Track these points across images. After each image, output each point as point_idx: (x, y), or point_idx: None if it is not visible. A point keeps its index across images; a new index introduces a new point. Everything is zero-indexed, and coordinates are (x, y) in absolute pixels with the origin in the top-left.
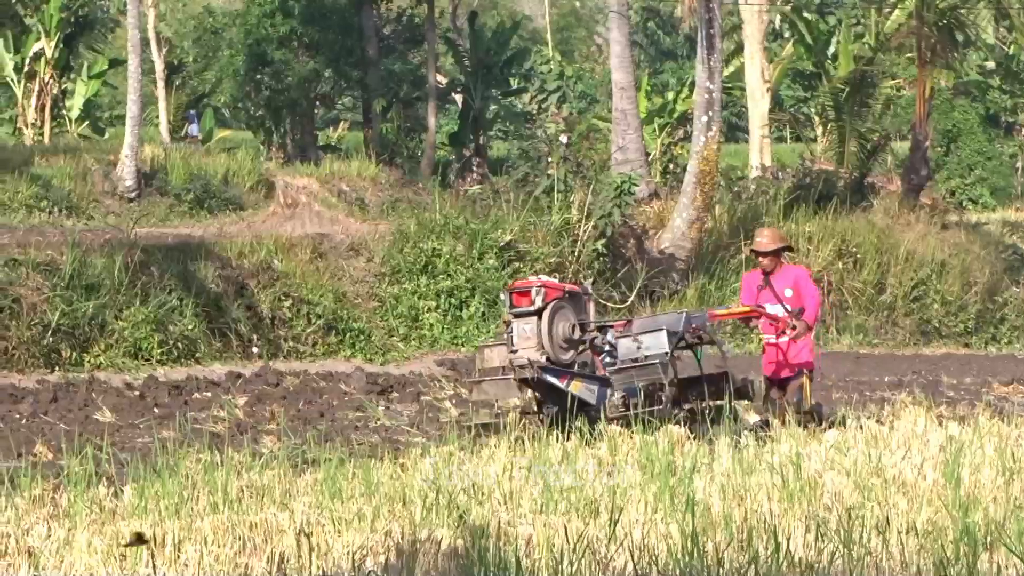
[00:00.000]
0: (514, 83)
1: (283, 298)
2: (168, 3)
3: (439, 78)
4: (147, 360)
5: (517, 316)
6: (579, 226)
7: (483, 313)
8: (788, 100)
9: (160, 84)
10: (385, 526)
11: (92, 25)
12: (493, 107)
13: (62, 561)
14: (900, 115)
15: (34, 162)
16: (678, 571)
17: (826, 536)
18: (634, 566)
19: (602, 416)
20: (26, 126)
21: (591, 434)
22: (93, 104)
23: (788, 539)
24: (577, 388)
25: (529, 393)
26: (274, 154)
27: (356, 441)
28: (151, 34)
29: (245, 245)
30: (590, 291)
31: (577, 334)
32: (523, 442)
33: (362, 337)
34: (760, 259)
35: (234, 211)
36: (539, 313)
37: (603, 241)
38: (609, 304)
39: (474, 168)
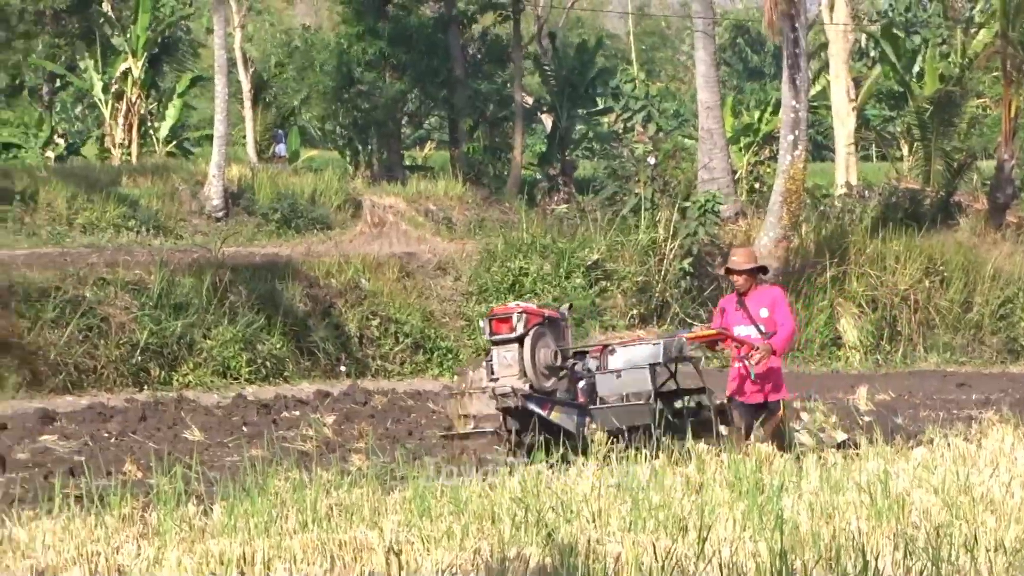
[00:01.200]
0: (601, 103)
1: (371, 317)
2: (255, 23)
3: (526, 98)
4: (235, 379)
5: (497, 343)
6: (665, 245)
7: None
8: (874, 119)
9: (247, 104)
10: (474, 544)
11: (177, 45)
12: (580, 127)
13: None
14: (986, 134)
15: (122, 182)
16: None
17: (914, 554)
18: None
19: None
20: (114, 146)
21: (679, 452)
22: (180, 124)
23: (876, 557)
24: (557, 416)
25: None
26: (361, 174)
27: (444, 459)
28: (238, 54)
29: (332, 264)
30: (567, 316)
31: (559, 361)
32: (611, 460)
33: (449, 356)
34: (734, 278)
35: (321, 230)
36: (520, 340)
37: (689, 260)
38: (695, 323)
39: (561, 187)
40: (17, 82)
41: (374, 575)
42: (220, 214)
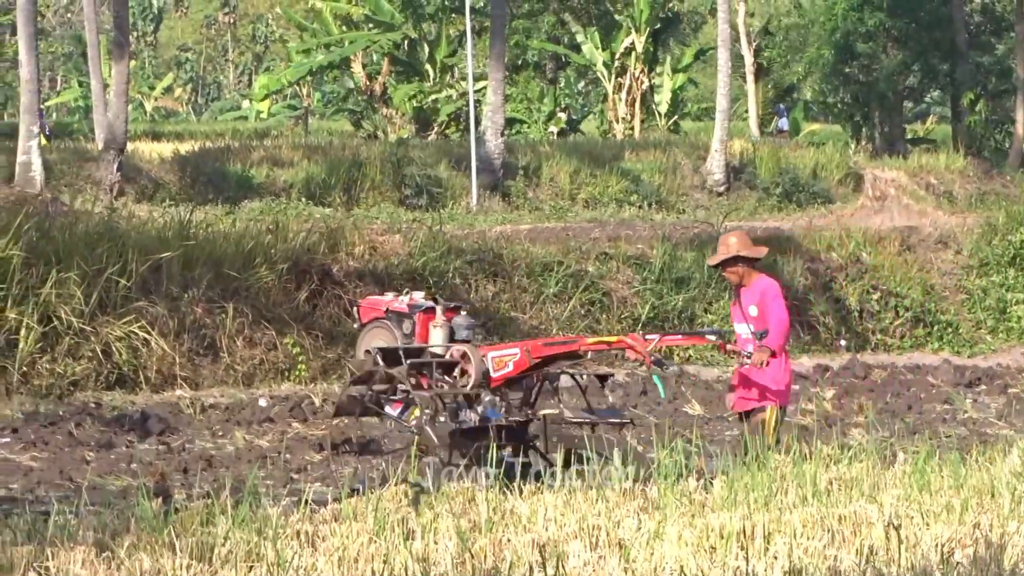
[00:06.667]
0: None
1: (871, 291)
2: None
3: None
4: (737, 353)
5: None
6: None
7: None
8: None
9: (749, 78)
10: (973, 518)
11: (679, 19)
12: None
13: (652, 553)
14: None
15: (624, 157)
16: None
17: None
18: None
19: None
20: (616, 120)
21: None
22: (679, 98)
23: None
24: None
25: None
26: (862, 147)
27: (944, 433)
28: (741, 28)
29: (833, 238)
30: (420, 309)
31: (374, 363)
32: None
33: (949, 330)
34: (721, 272)
35: (822, 204)
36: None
37: None
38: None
39: None
40: (520, 60)
41: (873, 549)
42: (722, 188)
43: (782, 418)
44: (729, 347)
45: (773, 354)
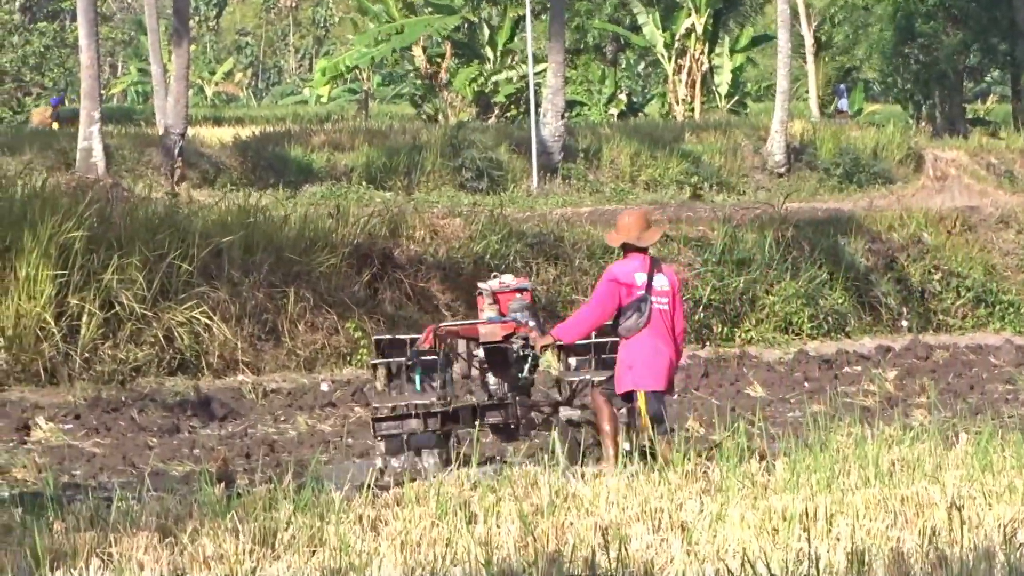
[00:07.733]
0: None
1: (932, 271)
2: None
3: None
4: (797, 335)
5: None
6: None
7: None
8: None
9: (809, 59)
10: None
11: (740, 0)
12: None
13: (715, 535)
14: None
15: (684, 138)
16: None
17: None
18: None
19: None
20: (676, 102)
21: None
22: (739, 79)
23: None
24: None
25: None
26: (922, 128)
27: (1006, 414)
28: (801, 8)
29: (894, 219)
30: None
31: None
32: None
33: (1011, 310)
34: None
35: (883, 185)
36: None
37: None
38: None
39: None
40: (581, 43)
41: (936, 530)
42: (782, 169)
43: (656, 398)
44: (532, 335)
45: (556, 340)
